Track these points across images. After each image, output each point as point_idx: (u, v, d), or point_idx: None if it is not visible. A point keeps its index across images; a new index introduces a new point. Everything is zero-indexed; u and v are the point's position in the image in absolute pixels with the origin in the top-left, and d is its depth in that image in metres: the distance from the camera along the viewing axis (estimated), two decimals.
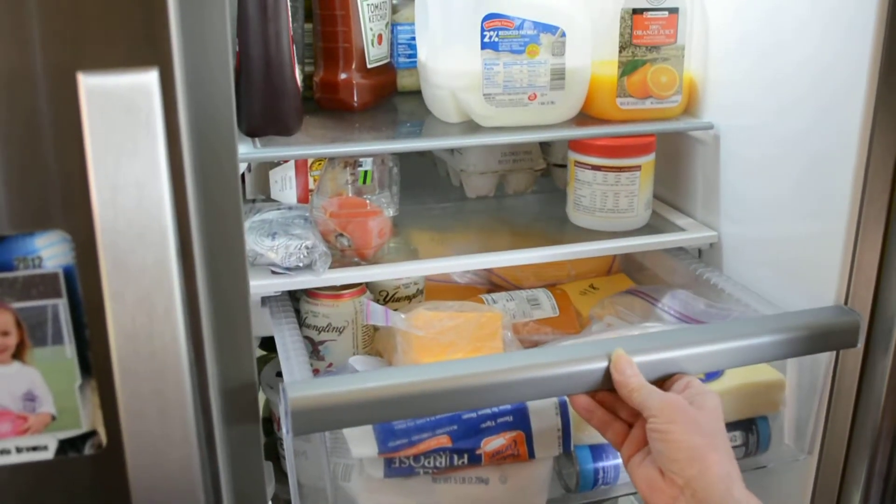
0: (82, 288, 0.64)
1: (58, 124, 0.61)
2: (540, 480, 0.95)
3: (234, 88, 0.68)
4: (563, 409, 0.92)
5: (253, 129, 1.04)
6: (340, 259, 1.06)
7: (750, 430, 1.02)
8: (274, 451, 1.32)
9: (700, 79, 1.18)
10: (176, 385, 0.64)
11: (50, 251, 0.64)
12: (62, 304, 0.65)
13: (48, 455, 0.69)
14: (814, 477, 1.03)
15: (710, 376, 0.98)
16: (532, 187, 1.36)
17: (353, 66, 1.17)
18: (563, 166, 1.31)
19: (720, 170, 1.15)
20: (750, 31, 1.06)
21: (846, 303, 0.95)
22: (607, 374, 0.84)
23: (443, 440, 0.89)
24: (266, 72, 1.01)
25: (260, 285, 1.01)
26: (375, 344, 1.13)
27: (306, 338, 1.12)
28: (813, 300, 0.98)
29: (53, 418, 0.68)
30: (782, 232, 1.04)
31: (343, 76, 1.17)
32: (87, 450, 0.70)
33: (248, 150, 1.01)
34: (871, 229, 0.92)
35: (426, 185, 1.41)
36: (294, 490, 0.90)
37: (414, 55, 1.27)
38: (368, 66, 1.18)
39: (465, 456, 0.90)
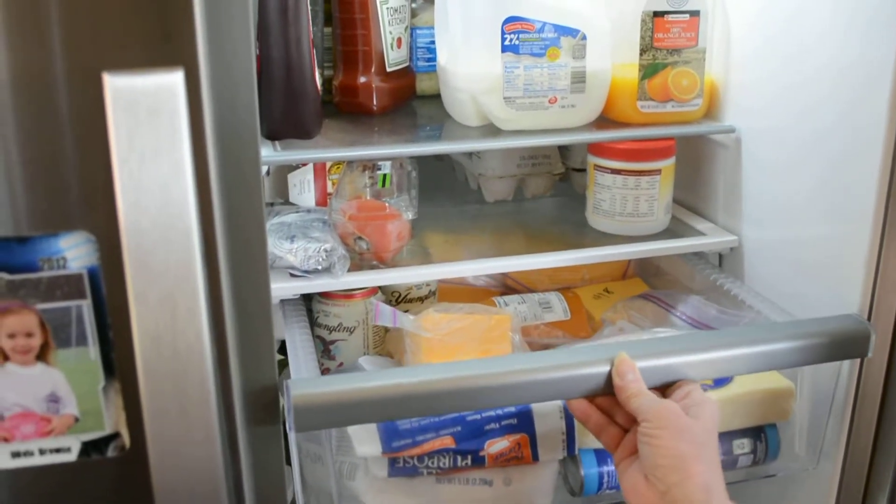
0: (106, 289, 0.64)
1: (82, 125, 0.61)
2: (544, 483, 0.95)
3: (256, 94, 0.68)
4: (567, 413, 0.91)
5: (273, 133, 1.04)
6: (359, 262, 1.06)
7: (759, 437, 1.00)
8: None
9: (721, 82, 1.17)
10: (199, 386, 0.63)
11: (74, 252, 0.64)
12: (86, 306, 0.65)
13: (71, 457, 0.69)
14: (837, 488, 1.02)
15: (719, 382, 0.97)
16: (551, 191, 1.35)
17: (373, 70, 1.17)
18: (583, 170, 1.30)
19: (741, 173, 1.15)
20: (771, 33, 1.06)
21: (871, 307, 0.94)
22: (609, 378, 0.84)
23: (447, 441, 0.89)
24: (286, 75, 1.01)
25: (279, 288, 1.01)
26: (386, 345, 1.14)
27: (318, 337, 1.13)
28: (836, 305, 0.97)
29: (77, 420, 0.68)
30: (805, 236, 1.03)
31: (362, 80, 1.17)
32: (111, 452, 0.69)
33: (267, 153, 1.01)
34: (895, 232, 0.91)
35: (444, 189, 1.40)
36: (298, 488, 0.91)
37: (433, 59, 1.26)
38: (388, 69, 1.18)
39: (469, 457, 0.90)
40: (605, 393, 0.84)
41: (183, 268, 0.61)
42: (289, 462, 1.15)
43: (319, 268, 1.01)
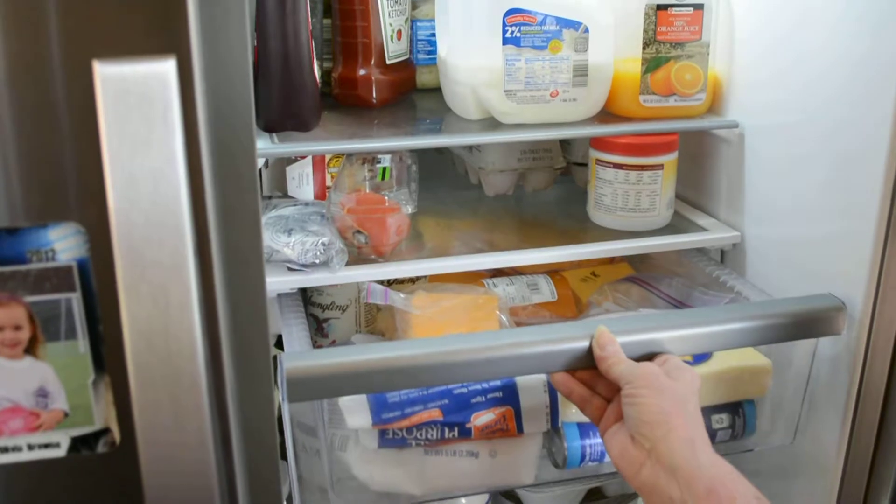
0: (96, 282, 0.63)
1: (72, 114, 0.59)
2: (529, 455, 0.98)
3: (252, 81, 0.67)
4: (551, 387, 0.94)
5: (270, 125, 1.03)
6: (357, 256, 1.05)
7: (737, 413, 1.02)
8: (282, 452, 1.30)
9: (724, 76, 1.16)
10: (191, 382, 0.62)
11: (63, 244, 0.62)
12: (76, 298, 0.63)
13: (60, 452, 0.68)
14: (838, 488, 1.01)
15: (698, 359, 1.00)
16: (551, 186, 1.34)
17: (372, 62, 1.16)
18: (584, 165, 1.29)
19: (744, 169, 1.14)
20: (778, 28, 1.04)
21: (874, 306, 0.93)
22: (589, 352, 0.87)
23: (434, 413, 0.91)
24: (284, 67, 1.00)
25: (276, 282, 1.00)
26: (378, 323, 1.15)
27: (311, 315, 1.14)
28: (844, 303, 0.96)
29: (66, 415, 0.67)
30: (808, 233, 1.02)
31: (362, 72, 1.16)
32: (101, 447, 0.68)
33: (265, 146, 1.00)
34: None
35: (445, 183, 1.39)
36: (291, 463, 0.94)
37: (433, 52, 1.25)
38: (387, 62, 1.17)
39: (456, 429, 0.93)
40: (587, 366, 0.87)
41: (175, 261, 0.60)
42: (284, 457, 1.15)
43: (317, 261, 1.00)
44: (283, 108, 1.02)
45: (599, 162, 1.15)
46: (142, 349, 0.61)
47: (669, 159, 1.14)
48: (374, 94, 1.17)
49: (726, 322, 0.93)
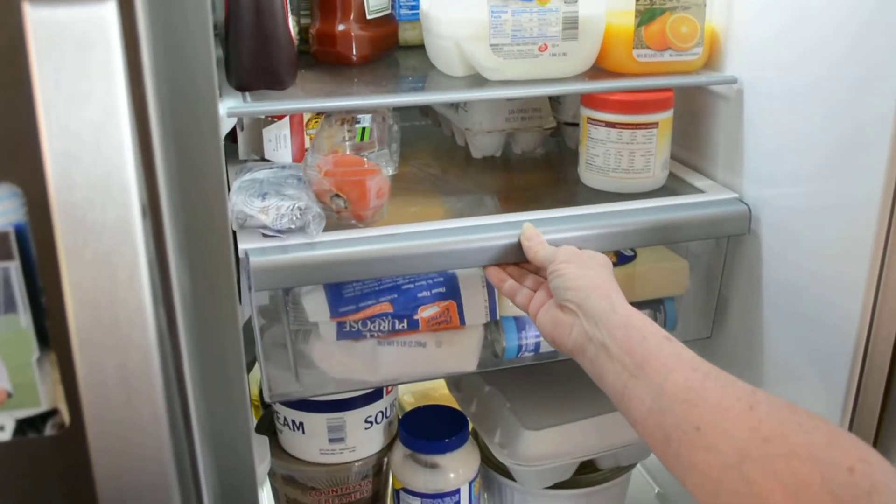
0: (36, 249, 0.57)
1: (3, 64, 0.53)
2: (471, 346, 1.09)
3: (211, 25, 0.61)
4: (489, 283, 1.05)
5: (243, 83, 0.98)
6: (336, 221, 1.00)
7: (658, 309, 1.14)
8: (271, 426, 1.26)
9: (722, 30, 1.10)
10: (142, 358, 0.57)
11: None
12: (14, 267, 0.58)
13: (5, 436, 0.63)
14: None
15: (623, 260, 1.12)
16: (541, 147, 1.29)
17: (352, 17, 1.11)
18: (575, 124, 1.24)
19: (743, 128, 1.08)
20: None
21: (879, 278, 0.89)
22: (517, 247, 0.99)
23: (385, 306, 1.02)
24: (256, 19, 0.95)
25: (249, 249, 0.94)
26: None
27: None
28: (843, 272, 0.92)
29: (9, 395, 0.62)
30: (809, 196, 0.97)
31: (341, 27, 1.11)
32: (48, 430, 0.63)
33: (236, 104, 0.95)
34: None
35: (430, 145, 1.34)
36: (260, 354, 1.04)
37: (416, 7, 1.20)
38: (368, 17, 1.12)
39: (405, 321, 1.04)
40: (515, 261, 1.00)
41: (121, 224, 0.54)
42: (264, 433, 1.11)
43: (293, 227, 0.95)
44: (256, 63, 0.96)
45: (591, 121, 1.09)
46: (87, 323, 0.56)
47: (664, 117, 1.08)
48: (354, 51, 1.11)
49: (641, 223, 1.03)
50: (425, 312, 1.04)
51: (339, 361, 1.06)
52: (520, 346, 1.10)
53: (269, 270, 0.93)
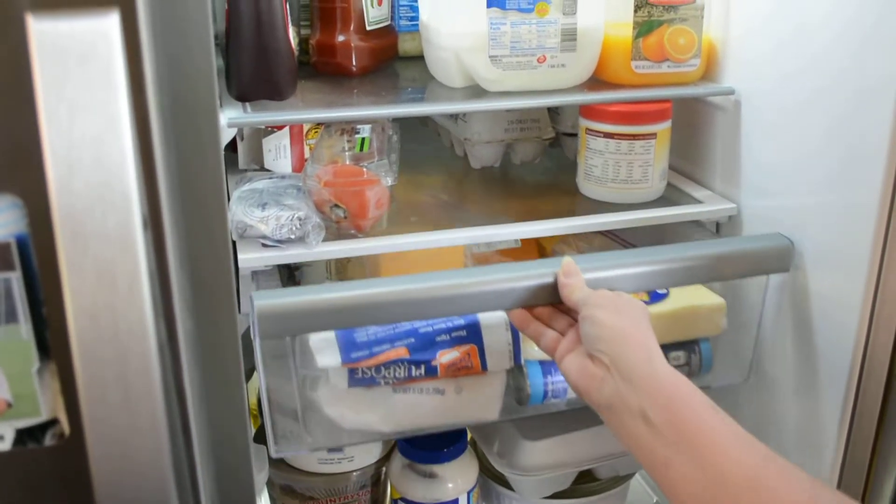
0: (38, 259, 0.58)
1: (6, 75, 0.54)
2: (493, 393, 1.02)
3: (212, 36, 0.62)
4: (513, 326, 0.97)
5: (243, 93, 0.99)
6: (335, 231, 1.00)
7: (693, 350, 1.06)
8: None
9: (720, 42, 1.11)
10: (142, 368, 0.57)
11: (0, 218, 0.57)
12: (15, 278, 0.58)
13: (5, 446, 0.63)
14: (840, 466, 0.98)
15: (655, 298, 1.04)
16: (540, 157, 1.29)
17: (352, 28, 1.11)
18: (573, 135, 1.24)
19: (741, 138, 1.09)
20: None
21: (877, 284, 0.89)
22: (547, 288, 0.91)
23: (401, 352, 0.95)
24: (256, 30, 0.96)
25: (249, 259, 0.95)
26: (348, 272, 1.15)
27: (283, 265, 1.12)
28: (841, 279, 0.93)
29: (9, 405, 0.62)
30: (808, 206, 0.98)
31: (341, 38, 1.11)
32: (48, 440, 0.63)
33: (237, 115, 0.95)
34: None
35: (429, 156, 1.34)
36: (265, 402, 0.94)
37: (416, 18, 1.20)
38: (368, 28, 1.12)
39: (422, 367, 0.96)
40: (544, 302, 0.92)
41: (122, 235, 0.54)
42: (263, 442, 1.11)
43: (292, 237, 0.96)
44: (256, 74, 0.97)
45: (589, 131, 1.10)
46: (88, 334, 0.56)
47: (662, 128, 1.09)
48: (354, 62, 1.12)
49: (681, 261, 0.97)
50: (444, 358, 0.96)
51: (350, 411, 0.99)
52: (545, 392, 1.02)
53: (276, 317, 0.85)
